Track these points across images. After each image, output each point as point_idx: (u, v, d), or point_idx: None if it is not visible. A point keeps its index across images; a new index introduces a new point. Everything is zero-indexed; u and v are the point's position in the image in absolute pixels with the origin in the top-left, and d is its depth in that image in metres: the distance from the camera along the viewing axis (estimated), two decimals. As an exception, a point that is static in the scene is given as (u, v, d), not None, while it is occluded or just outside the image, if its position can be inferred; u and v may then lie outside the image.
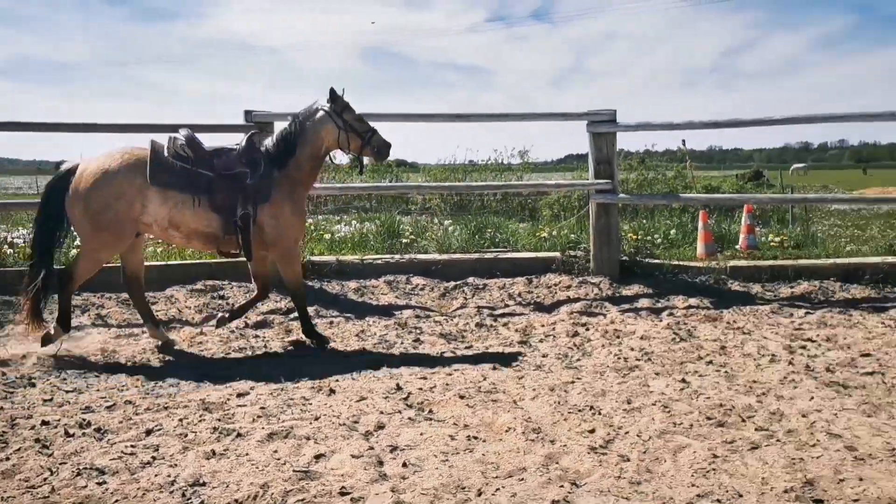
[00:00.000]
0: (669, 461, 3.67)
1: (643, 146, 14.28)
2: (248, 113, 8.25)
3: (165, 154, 5.77)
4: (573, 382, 4.99)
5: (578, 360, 5.64)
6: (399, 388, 4.91)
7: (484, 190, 12.78)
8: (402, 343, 6.23)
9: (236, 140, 6.09)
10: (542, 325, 6.75)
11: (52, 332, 5.85)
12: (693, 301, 7.46)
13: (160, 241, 7.81)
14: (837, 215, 17.69)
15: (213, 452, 3.83)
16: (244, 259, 6.05)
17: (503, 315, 7.19)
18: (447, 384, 5.00)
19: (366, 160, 6.52)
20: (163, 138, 5.88)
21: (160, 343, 6.09)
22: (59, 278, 5.88)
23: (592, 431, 4.09)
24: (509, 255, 8.94)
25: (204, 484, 3.48)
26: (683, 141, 14.43)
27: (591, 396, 4.68)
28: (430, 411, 4.48)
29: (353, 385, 5.02)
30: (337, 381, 5.14)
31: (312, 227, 10.61)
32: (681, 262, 8.59)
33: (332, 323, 6.92)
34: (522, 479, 3.48)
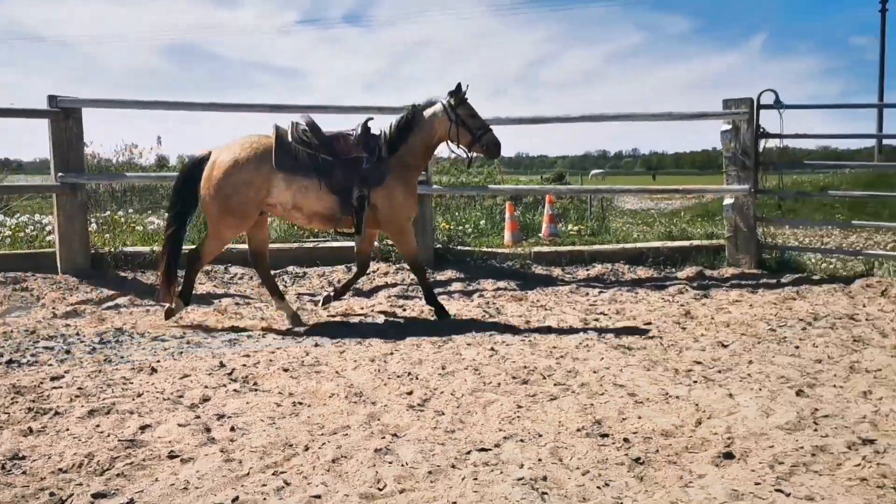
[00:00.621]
0: (480, 413, 4.05)
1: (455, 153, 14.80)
2: (52, 98, 7.91)
3: (289, 139, 6.17)
4: (392, 353, 5.29)
5: (395, 335, 5.95)
6: (222, 365, 4.99)
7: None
8: (221, 327, 6.26)
9: (350, 126, 6.40)
10: (362, 308, 7.02)
11: (174, 305, 6.30)
12: (501, 284, 8.02)
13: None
14: (630, 214, 19.35)
15: (31, 430, 3.76)
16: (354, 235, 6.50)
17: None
18: (270, 360, 5.14)
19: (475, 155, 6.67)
20: (285, 124, 6.24)
21: (289, 315, 6.41)
22: (187, 258, 6.38)
23: (410, 393, 4.41)
24: (329, 244, 9.13)
25: (24, 458, 3.44)
26: None
27: (409, 364, 5.01)
28: (255, 384, 4.61)
29: (176, 365, 5.04)
30: (158, 361, 5.12)
31: (124, 220, 10.24)
32: (490, 250, 9.18)
33: (148, 311, 6.80)
34: (347, 435, 3.72)
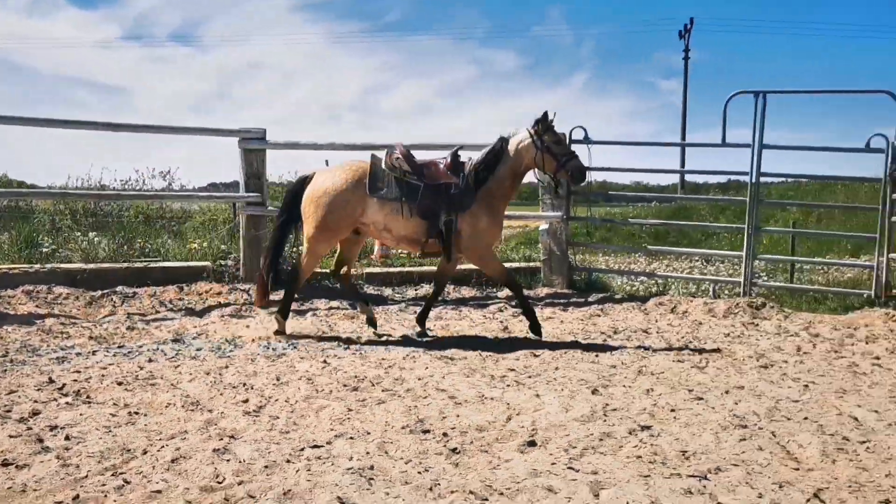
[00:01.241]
0: (313, 416, 4.36)
1: (287, 177, 14.71)
2: None
3: (383, 167, 6.57)
4: (227, 367, 5.48)
5: (231, 350, 6.13)
6: (52, 381, 4.98)
7: (135, 199, 12.50)
8: (48, 346, 6.17)
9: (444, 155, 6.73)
10: (195, 327, 7.10)
11: (277, 323, 6.79)
12: (334, 303, 8.33)
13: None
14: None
15: None
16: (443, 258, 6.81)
17: (155, 320, 7.39)
18: (103, 375, 5.18)
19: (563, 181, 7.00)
20: (381, 153, 6.67)
21: (368, 317, 7.07)
22: (289, 276, 6.95)
23: (246, 401, 4.64)
24: (161, 264, 9.08)
25: None
26: (326, 161, 15.36)
27: (244, 376, 5.22)
28: (88, 397, 4.67)
29: (0, 382, 4.97)
30: (-20, 379, 5.03)
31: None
32: (324, 270, 9.46)
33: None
34: (185, 439, 3.92)
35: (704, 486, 3.39)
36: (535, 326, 6.83)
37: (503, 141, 6.72)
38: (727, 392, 4.99)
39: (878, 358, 6.11)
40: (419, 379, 5.25)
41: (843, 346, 6.62)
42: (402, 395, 4.86)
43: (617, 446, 3.91)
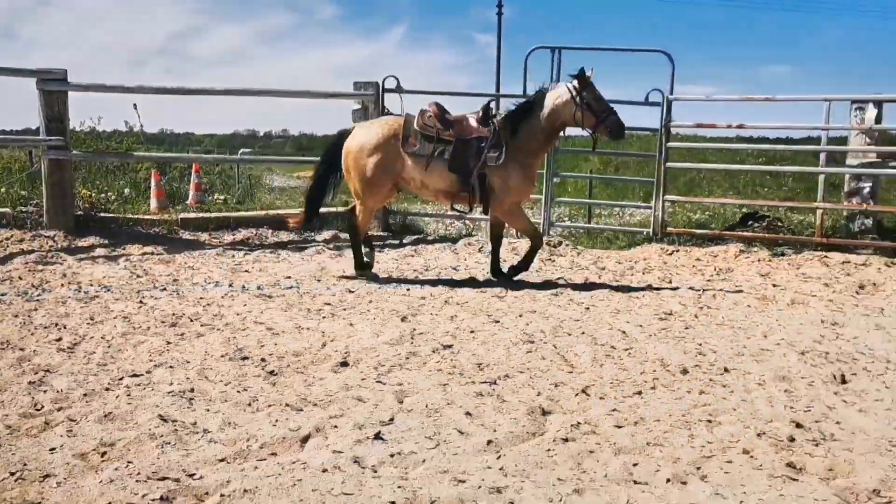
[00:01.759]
0: (131, 350, 4.48)
1: (89, 124, 13.94)
2: None
3: (415, 126, 6.70)
4: (37, 310, 5.41)
5: (40, 295, 6.00)
6: None
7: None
8: None
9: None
10: (-3, 273, 6.83)
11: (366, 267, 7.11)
12: (148, 248, 8.22)
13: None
14: (278, 191, 19.99)
15: None
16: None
17: (-50, 267, 7.01)
18: None
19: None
20: (415, 111, 6.79)
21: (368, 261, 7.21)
22: (349, 228, 7.39)
23: (59, 339, 4.66)
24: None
25: None
26: (135, 105, 14.65)
27: (56, 317, 5.20)
28: None
29: None
30: None
31: None
32: (136, 216, 9.28)
33: None
34: (-3, 375, 3.94)
35: (493, 389, 3.90)
36: (519, 271, 7.08)
37: (539, 94, 6.79)
38: (521, 315, 5.58)
39: (650, 285, 6.99)
40: (238, 314, 5.45)
41: (623, 275, 7.48)
42: (220, 328, 5.05)
43: (421, 363, 4.36)
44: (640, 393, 3.90)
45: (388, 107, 9.71)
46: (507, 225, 7.34)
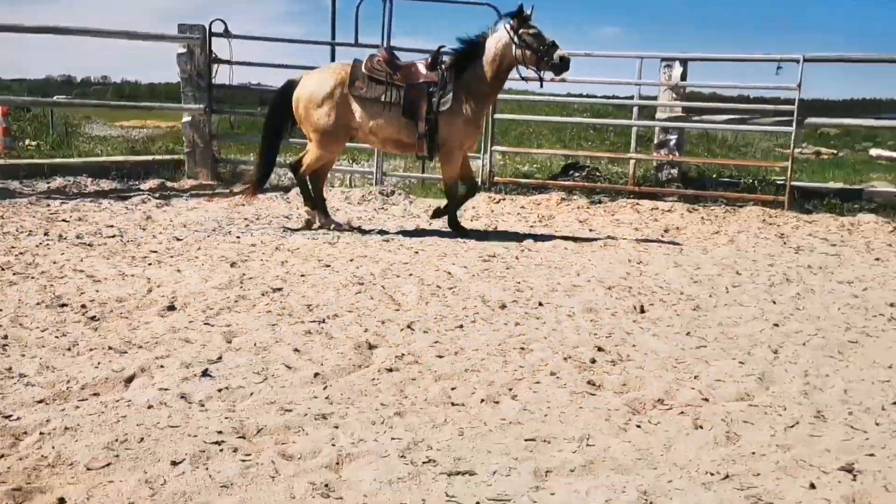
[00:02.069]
0: (-66, 300, 4.21)
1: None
2: None
3: (363, 70, 6.62)
4: None
5: None
6: None
7: None
8: None
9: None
10: None
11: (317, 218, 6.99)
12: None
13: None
14: (99, 140, 18.88)
15: None
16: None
17: None
18: None
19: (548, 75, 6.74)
20: (364, 56, 6.78)
21: (315, 223, 6.99)
22: (291, 168, 7.26)
23: None
24: None
25: None
26: None
27: None
28: None
29: None
30: None
31: None
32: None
33: None
34: None
35: (322, 328, 4.02)
36: (457, 229, 7.01)
37: (481, 37, 6.68)
38: (352, 260, 5.71)
39: (476, 230, 7.30)
40: (54, 263, 5.22)
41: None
42: (35, 276, 4.83)
43: (251, 305, 4.39)
44: (461, 326, 4.14)
45: (216, 52, 9.43)
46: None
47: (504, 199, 9.17)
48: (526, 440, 2.80)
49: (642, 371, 3.55)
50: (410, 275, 5.27)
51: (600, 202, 9.05)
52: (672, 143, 9.48)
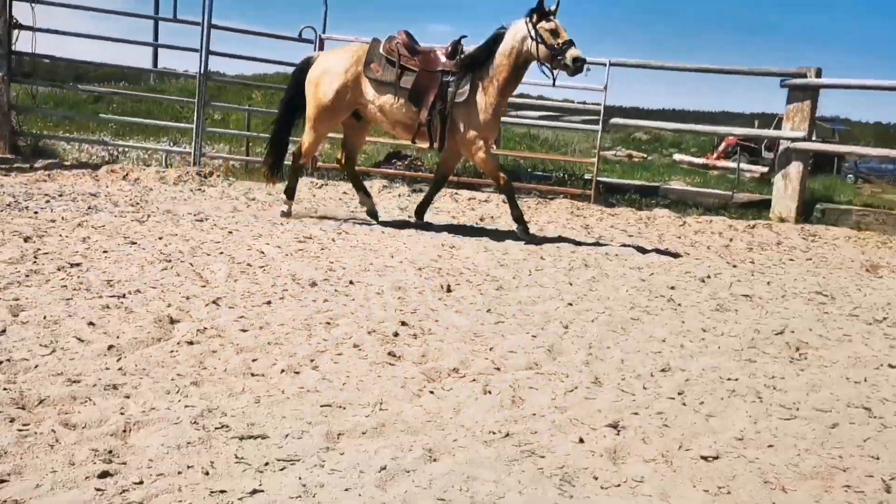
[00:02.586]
0: None
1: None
2: None
3: (381, 51, 6.62)
4: None
5: None
6: None
7: None
8: None
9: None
10: None
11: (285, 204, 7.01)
12: None
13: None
14: None
15: None
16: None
17: None
18: None
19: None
20: (383, 38, 6.70)
21: (368, 209, 7.15)
22: (293, 157, 7.21)
23: None
24: None
25: None
26: None
27: None
28: None
29: None
30: None
31: None
32: None
33: None
34: None
35: (122, 302, 3.89)
36: (523, 229, 6.85)
37: (501, 29, 6.55)
38: (161, 238, 5.53)
39: (262, 208, 7.27)
40: None
41: (272, 206, 7.65)
42: None
43: (44, 280, 4.17)
44: (269, 303, 4.14)
45: (17, 17, 8.78)
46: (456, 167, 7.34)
47: (327, 185, 9.19)
48: (322, 406, 2.86)
49: (442, 344, 3.71)
50: (221, 253, 5.19)
51: (421, 191, 9.27)
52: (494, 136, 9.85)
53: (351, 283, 4.71)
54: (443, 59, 6.62)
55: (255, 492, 2.20)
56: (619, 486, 2.45)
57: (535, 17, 6.38)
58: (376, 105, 6.69)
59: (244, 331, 3.64)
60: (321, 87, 6.77)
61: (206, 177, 8.92)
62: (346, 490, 2.26)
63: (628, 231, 7.94)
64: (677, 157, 23.71)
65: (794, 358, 3.93)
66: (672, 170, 17.48)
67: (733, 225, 8.50)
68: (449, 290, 4.76)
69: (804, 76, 8.62)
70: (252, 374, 3.13)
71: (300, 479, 2.29)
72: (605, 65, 9.18)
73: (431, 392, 3.11)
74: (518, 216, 6.85)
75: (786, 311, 4.89)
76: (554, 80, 6.58)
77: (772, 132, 12.63)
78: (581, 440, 2.75)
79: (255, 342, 3.49)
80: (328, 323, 3.88)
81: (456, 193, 9.16)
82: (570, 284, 5.22)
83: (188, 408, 2.72)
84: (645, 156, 23.85)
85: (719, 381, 3.49)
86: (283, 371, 3.18)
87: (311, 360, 3.34)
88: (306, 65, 7.05)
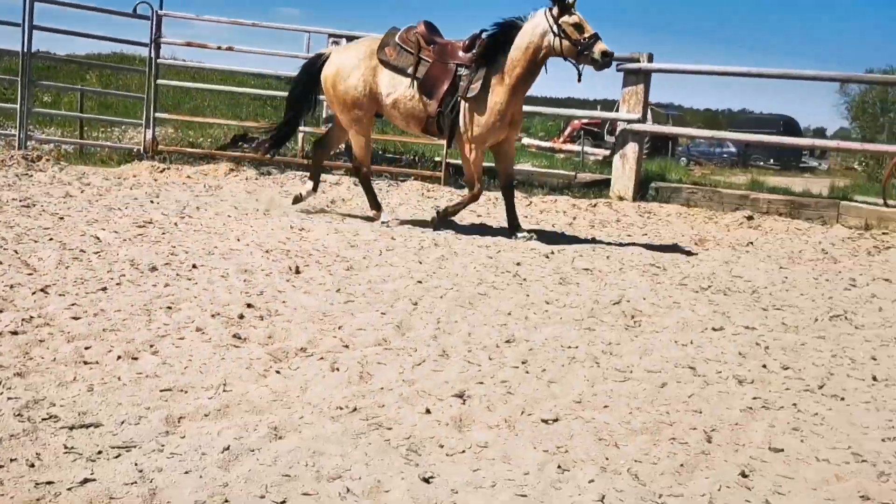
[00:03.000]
0: None
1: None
2: None
3: (397, 39, 6.40)
4: None
5: None
6: None
7: None
8: None
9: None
10: None
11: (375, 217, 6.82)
12: None
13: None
14: None
15: None
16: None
17: None
18: None
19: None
20: (402, 27, 6.51)
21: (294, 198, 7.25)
22: (355, 173, 7.40)
23: None
24: None
25: None
26: None
27: None
28: None
29: None
30: None
31: None
32: None
33: None
34: None
35: (-66, 293, 3.58)
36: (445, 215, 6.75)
37: (517, 21, 6.25)
38: (-19, 225, 5.12)
39: (135, 198, 6.93)
40: None
41: (109, 191, 7.27)
42: None
43: None
44: (104, 289, 3.93)
45: None
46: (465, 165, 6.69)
47: (169, 169, 8.81)
48: (162, 391, 2.76)
49: (289, 324, 3.66)
50: (51, 239, 4.88)
51: (269, 174, 9.08)
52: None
53: (194, 266, 4.55)
54: (459, 52, 6.41)
55: (85, 481, 2.10)
56: (463, 452, 2.52)
57: (554, 10, 6.10)
58: (390, 96, 6.51)
59: (76, 318, 3.44)
60: (339, 88, 6.64)
61: (34, 161, 8.33)
62: (187, 473, 2.19)
63: (477, 212, 8.11)
64: (526, 140, 24.43)
65: (630, 325, 4.16)
66: (521, 153, 18.00)
67: (576, 204, 8.86)
68: (298, 272, 4.69)
69: (637, 61, 9.08)
70: (85, 363, 2.97)
71: (136, 464, 2.20)
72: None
73: (278, 372, 3.06)
74: (446, 214, 6.75)
75: (623, 282, 5.16)
76: (580, 75, 6.34)
77: (610, 114, 13.23)
78: (428, 411, 2.80)
79: (88, 329, 3.30)
80: (169, 307, 3.74)
81: (306, 176, 9.01)
82: (420, 263, 5.27)
83: (11, 400, 2.54)
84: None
85: (561, 349, 3.64)
86: (119, 357, 3.04)
87: (151, 346, 3.21)
88: (317, 61, 6.92)
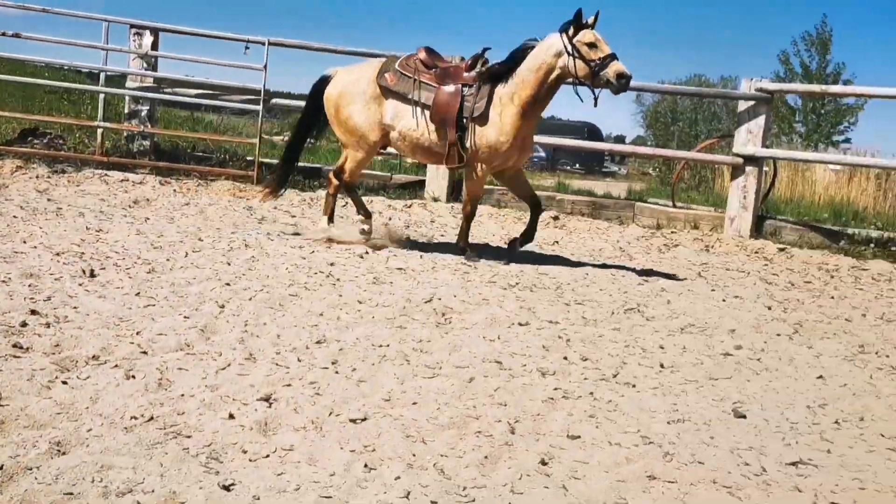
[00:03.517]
0: None
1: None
2: None
3: (397, 66, 6.03)
4: None
5: None
6: None
7: None
8: None
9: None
10: None
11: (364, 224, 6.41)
12: None
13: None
14: None
15: None
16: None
17: None
18: None
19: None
20: (401, 53, 6.24)
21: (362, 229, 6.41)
22: (335, 175, 6.48)
23: None
24: None
25: None
26: None
27: None
28: None
29: None
30: None
31: None
32: None
33: None
34: None
35: None
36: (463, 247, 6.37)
37: (529, 43, 5.90)
38: None
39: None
40: None
41: None
42: None
43: None
44: None
45: None
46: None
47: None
48: (-77, 410, 2.46)
49: (80, 331, 3.40)
50: None
51: (64, 172, 8.42)
52: (143, 113, 9.24)
53: (-35, 272, 4.12)
54: (463, 73, 6.03)
55: None
56: (267, 456, 2.44)
57: (571, 31, 5.68)
58: (397, 128, 6.08)
59: None
60: (342, 111, 6.20)
61: None
62: (-51, 499, 1.97)
63: (291, 212, 7.96)
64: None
65: (440, 322, 4.23)
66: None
67: (392, 205, 8.90)
68: (92, 275, 4.38)
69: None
70: None
71: None
72: (263, 44, 9.06)
73: (65, 382, 2.84)
74: (463, 240, 6.38)
75: (435, 280, 5.24)
76: (596, 99, 5.89)
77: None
78: (231, 416, 2.69)
79: None
80: (-66, 318, 3.36)
81: (106, 175, 8.45)
82: (229, 265, 5.08)
83: None
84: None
85: (372, 348, 3.63)
86: None
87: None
88: (324, 82, 6.42)
